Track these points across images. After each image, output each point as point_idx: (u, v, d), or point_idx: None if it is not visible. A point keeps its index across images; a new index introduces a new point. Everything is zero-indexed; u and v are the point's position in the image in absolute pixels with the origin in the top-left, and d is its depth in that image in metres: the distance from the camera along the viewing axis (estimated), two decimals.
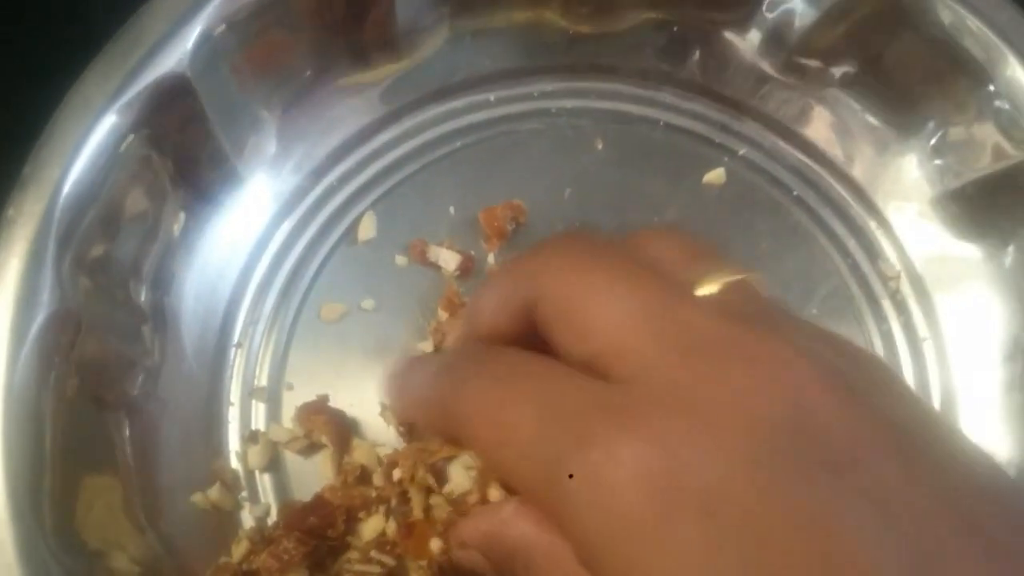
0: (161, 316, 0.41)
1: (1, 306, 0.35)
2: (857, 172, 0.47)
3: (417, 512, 0.39)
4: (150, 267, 0.41)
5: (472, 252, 0.44)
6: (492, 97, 0.48)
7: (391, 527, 0.37)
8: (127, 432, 0.39)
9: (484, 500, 0.38)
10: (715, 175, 0.46)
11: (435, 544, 0.39)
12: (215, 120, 0.41)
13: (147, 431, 0.40)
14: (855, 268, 0.46)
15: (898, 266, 0.46)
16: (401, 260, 0.44)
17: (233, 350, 0.43)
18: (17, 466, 0.34)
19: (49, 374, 0.36)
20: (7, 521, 0.33)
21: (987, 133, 0.43)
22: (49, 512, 0.34)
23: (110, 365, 0.39)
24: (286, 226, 0.45)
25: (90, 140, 0.38)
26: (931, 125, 0.45)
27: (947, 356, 0.44)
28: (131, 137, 0.38)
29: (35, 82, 0.41)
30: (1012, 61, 0.41)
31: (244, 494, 0.40)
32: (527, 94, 0.48)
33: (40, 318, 0.36)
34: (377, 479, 0.39)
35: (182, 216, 0.42)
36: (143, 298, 0.41)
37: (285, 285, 0.44)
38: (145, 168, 0.40)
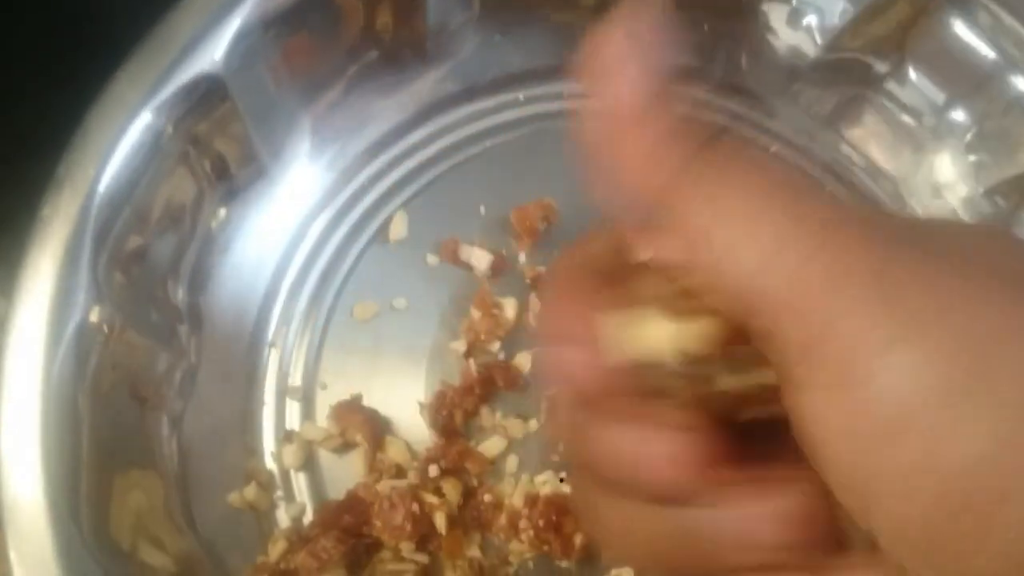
0: (197, 316, 0.41)
1: (37, 306, 0.35)
2: (890, 169, 0.47)
3: (452, 509, 0.39)
4: (187, 266, 0.41)
5: (503, 251, 0.44)
6: (522, 96, 0.48)
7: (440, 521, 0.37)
8: (165, 432, 0.39)
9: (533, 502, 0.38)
10: None
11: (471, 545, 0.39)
12: (249, 119, 0.41)
13: (185, 431, 0.40)
14: None
15: None
16: (432, 259, 0.44)
17: (267, 349, 0.43)
18: (55, 468, 0.34)
19: (86, 375, 0.36)
20: (46, 524, 0.33)
21: (1022, 130, 0.43)
22: (87, 513, 0.34)
23: (147, 366, 0.39)
24: (318, 225, 0.45)
25: (125, 139, 0.38)
26: (965, 122, 0.45)
27: None
28: (166, 136, 0.38)
29: (62, 83, 0.41)
30: None
31: (279, 493, 0.40)
32: (557, 93, 0.48)
33: (76, 318, 0.36)
34: (412, 476, 0.39)
35: (220, 214, 0.43)
36: (179, 297, 0.41)
37: (318, 284, 0.44)
38: (180, 166, 0.40)
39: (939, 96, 0.45)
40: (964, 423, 0.13)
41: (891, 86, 0.46)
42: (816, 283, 0.14)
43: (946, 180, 0.46)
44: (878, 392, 0.14)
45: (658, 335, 0.17)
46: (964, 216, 0.45)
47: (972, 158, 0.45)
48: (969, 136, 0.45)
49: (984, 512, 0.14)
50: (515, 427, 0.41)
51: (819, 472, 0.16)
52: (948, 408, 0.14)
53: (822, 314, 0.14)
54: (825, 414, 0.15)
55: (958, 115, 0.45)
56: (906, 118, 0.46)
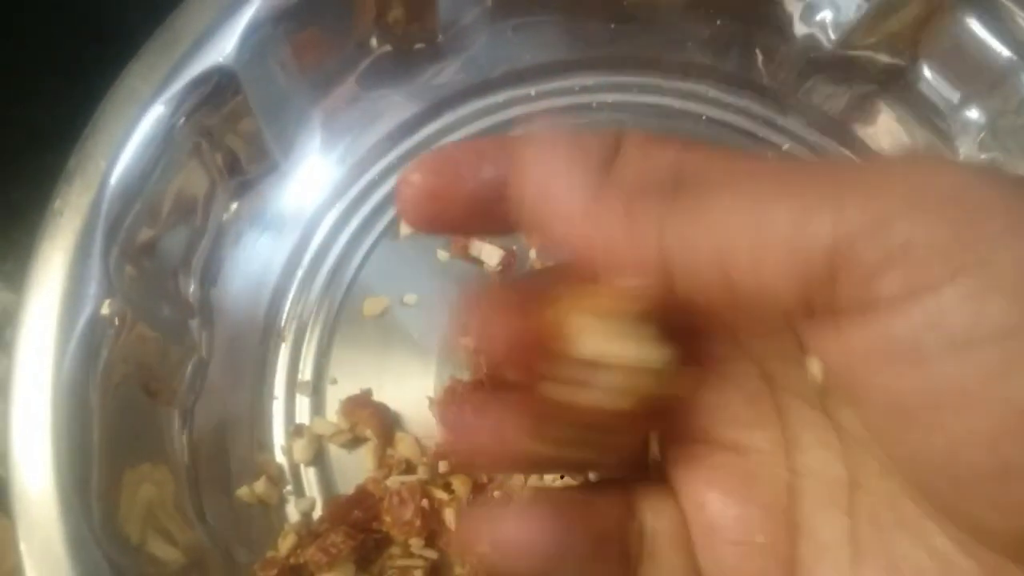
0: (208, 310, 0.41)
1: (48, 299, 0.35)
2: None
3: (462, 505, 0.39)
4: (198, 260, 0.41)
5: (514, 247, 0.44)
6: (533, 91, 0.48)
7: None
8: (176, 426, 0.39)
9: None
10: None
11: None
12: (261, 113, 0.41)
13: (195, 425, 0.40)
14: None
15: None
16: (443, 255, 0.44)
17: (278, 344, 0.43)
18: (65, 460, 0.34)
19: (97, 368, 0.36)
20: (56, 516, 0.33)
21: None
22: (97, 506, 0.34)
23: (158, 359, 0.39)
24: (329, 220, 0.45)
25: (137, 131, 0.38)
26: (980, 120, 0.44)
27: None
28: (178, 128, 0.38)
29: (74, 76, 0.41)
30: None
31: (289, 488, 0.40)
32: (568, 88, 0.48)
33: (87, 311, 0.36)
34: (422, 471, 0.39)
35: (232, 207, 0.42)
36: (191, 291, 0.41)
37: (328, 279, 0.44)
38: (192, 160, 0.40)
39: (954, 95, 0.45)
40: None
41: (905, 84, 0.46)
42: (896, 208, 0.14)
43: None
44: (948, 311, 0.14)
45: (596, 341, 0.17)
46: None
47: (985, 156, 0.45)
48: (983, 134, 0.45)
49: None
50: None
51: (859, 403, 0.16)
52: (1019, 336, 0.14)
53: (898, 235, 0.14)
54: (890, 335, 0.15)
55: (972, 113, 0.45)
56: (920, 116, 0.46)
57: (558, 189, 0.17)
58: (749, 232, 0.15)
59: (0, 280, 0.47)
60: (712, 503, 0.19)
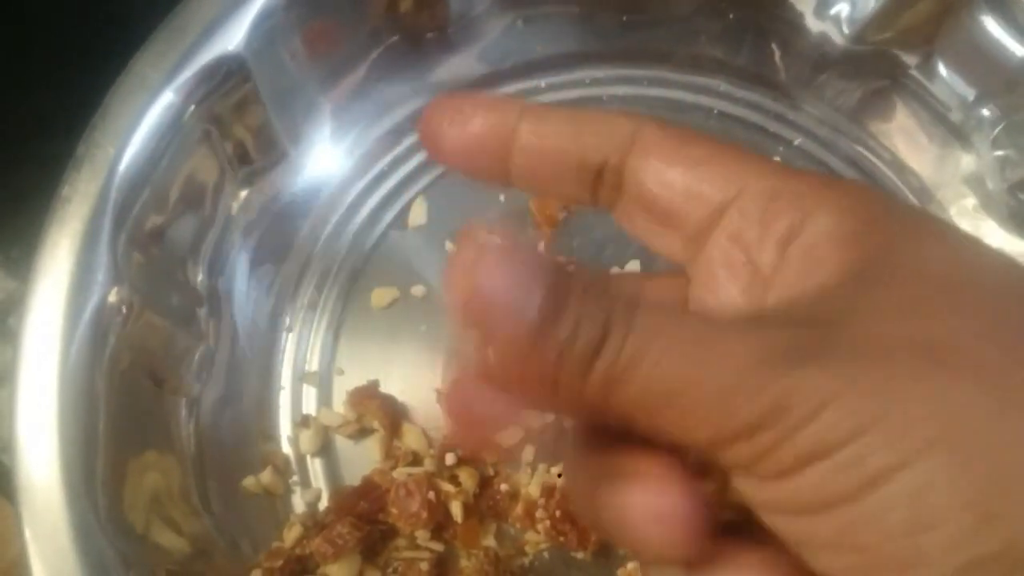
0: (216, 299, 0.41)
1: (56, 286, 0.35)
2: (915, 164, 0.46)
3: (468, 498, 0.39)
4: (207, 248, 0.41)
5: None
6: (543, 83, 0.47)
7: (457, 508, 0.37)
8: (182, 415, 0.39)
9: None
10: None
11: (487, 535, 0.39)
12: (270, 102, 0.41)
13: (202, 414, 0.39)
14: None
15: None
16: (451, 246, 0.44)
17: (285, 334, 0.43)
18: (71, 448, 0.33)
19: (103, 356, 0.36)
20: (61, 504, 0.33)
21: None
22: (102, 493, 0.34)
23: (166, 348, 0.38)
24: (338, 210, 0.45)
25: (146, 119, 0.37)
26: (993, 117, 0.44)
27: None
28: (187, 117, 0.38)
29: (83, 63, 0.41)
30: None
31: (295, 478, 0.40)
32: (578, 80, 0.48)
33: (95, 299, 0.35)
34: (428, 463, 0.39)
35: (240, 197, 0.42)
36: (199, 280, 0.41)
37: (336, 270, 0.44)
38: (201, 148, 0.40)
39: (968, 92, 0.44)
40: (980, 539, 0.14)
41: (919, 80, 0.45)
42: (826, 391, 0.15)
43: (972, 175, 0.45)
44: (880, 506, 0.15)
45: None
46: (988, 213, 0.45)
47: (998, 153, 0.44)
48: (996, 131, 0.44)
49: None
50: (532, 417, 0.41)
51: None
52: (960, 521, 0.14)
53: (847, 424, 0.15)
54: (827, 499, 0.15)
55: (986, 110, 0.44)
56: (933, 113, 0.46)
57: (499, 314, 0.16)
58: (672, 399, 0.16)
59: (5, 268, 0.46)
60: None
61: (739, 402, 0.15)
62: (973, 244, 0.18)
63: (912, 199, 0.46)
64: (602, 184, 0.21)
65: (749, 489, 0.17)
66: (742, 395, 0.15)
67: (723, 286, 0.20)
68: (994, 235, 0.45)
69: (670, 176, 0.20)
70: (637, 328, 0.16)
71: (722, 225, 0.20)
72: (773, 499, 0.16)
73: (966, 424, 0.15)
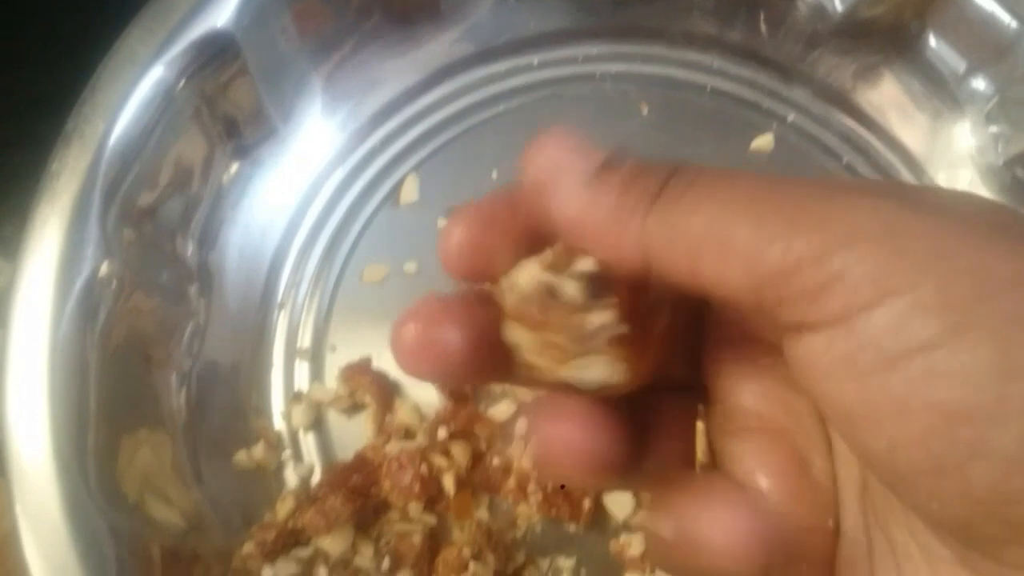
0: (207, 275, 0.41)
1: (45, 261, 0.35)
2: (908, 139, 0.46)
3: (461, 471, 0.39)
4: (197, 223, 0.41)
5: None
6: (536, 60, 0.47)
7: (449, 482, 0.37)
8: (174, 389, 0.39)
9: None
10: (763, 141, 0.46)
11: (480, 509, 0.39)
12: (260, 78, 0.41)
13: (193, 389, 0.39)
14: None
15: None
16: (443, 223, 0.44)
17: (276, 310, 0.43)
18: (62, 422, 0.33)
19: (94, 330, 0.35)
20: (52, 478, 0.33)
21: None
22: (93, 468, 0.34)
23: (157, 323, 0.38)
24: (329, 187, 0.44)
25: (135, 94, 0.37)
26: (987, 91, 0.44)
27: None
28: (177, 91, 0.38)
29: (72, 40, 0.41)
30: None
31: (287, 453, 0.40)
32: (571, 57, 0.47)
33: (85, 274, 0.35)
34: (421, 438, 0.39)
35: (231, 171, 0.42)
36: (189, 255, 0.40)
37: (328, 246, 0.44)
38: (192, 123, 0.39)
39: (960, 64, 0.44)
40: (959, 354, 0.15)
41: (911, 54, 0.45)
42: (837, 241, 0.16)
43: (966, 150, 0.45)
44: (878, 329, 0.16)
45: (531, 274, 0.18)
46: (983, 188, 0.45)
47: (993, 129, 0.44)
48: (990, 106, 0.44)
49: (982, 417, 0.15)
50: (524, 391, 0.40)
51: (818, 405, 0.18)
52: (939, 347, 0.15)
53: (836, 264, 0.16)
54: (830, 350, 0.17)
55: (979, 84, 0.44)
56: (926, 87, 0.46)
57: (559, 171, 0.18)
58: (715, 243, 0.17)
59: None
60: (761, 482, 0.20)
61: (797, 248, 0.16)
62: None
63: (906, 174, 0.46)
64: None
65: (809, 353, 0.17)
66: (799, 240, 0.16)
67: None
68: None
69: None
70: (698, 182, 0.18)
71: None
72: (841, 355, 0.16)
73: None
